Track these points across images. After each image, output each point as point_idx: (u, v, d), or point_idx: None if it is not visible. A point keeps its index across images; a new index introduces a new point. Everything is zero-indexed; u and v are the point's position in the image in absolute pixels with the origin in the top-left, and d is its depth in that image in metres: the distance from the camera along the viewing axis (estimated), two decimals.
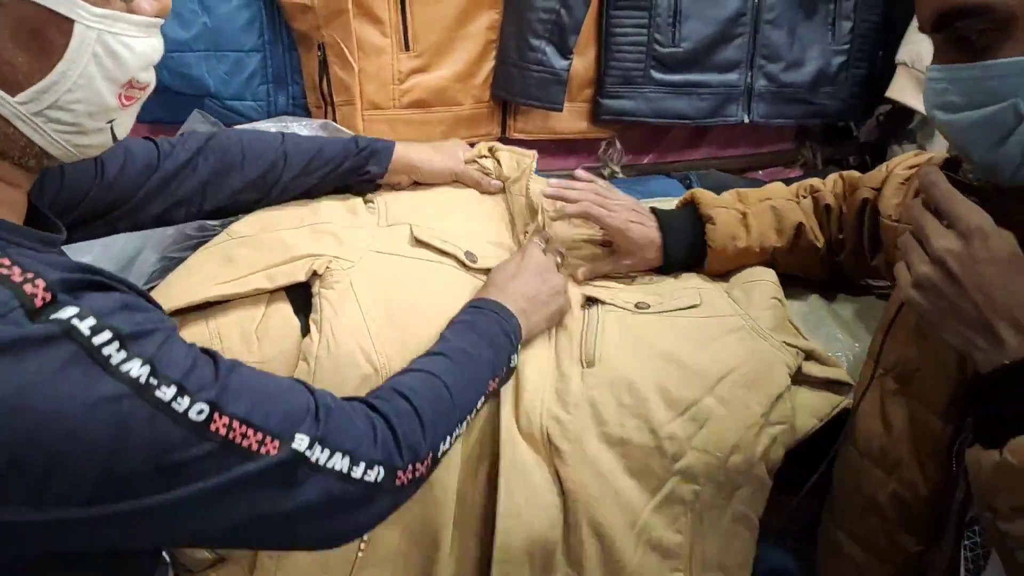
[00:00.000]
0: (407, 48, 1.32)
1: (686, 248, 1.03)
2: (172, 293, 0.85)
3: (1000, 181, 0.64)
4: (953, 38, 0.61)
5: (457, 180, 1.14)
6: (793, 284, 1.08)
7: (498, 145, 1.21)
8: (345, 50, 1.27)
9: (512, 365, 0.83)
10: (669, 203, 1.30)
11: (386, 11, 1.29)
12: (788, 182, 1.12)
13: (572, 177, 1.10)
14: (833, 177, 1.06)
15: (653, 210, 1.06)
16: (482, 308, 0.84)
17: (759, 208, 1.04)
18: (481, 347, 0.79)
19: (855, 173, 1.04)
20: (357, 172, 1.06)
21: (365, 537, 0.79)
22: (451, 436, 0.72)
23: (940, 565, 0.76)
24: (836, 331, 1.04)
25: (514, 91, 1.39)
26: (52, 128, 0.55)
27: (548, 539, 0.80)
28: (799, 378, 0.91)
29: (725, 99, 1.47)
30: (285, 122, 1.20)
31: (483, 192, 1.14)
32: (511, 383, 0.85)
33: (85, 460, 0.47)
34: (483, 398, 0.78)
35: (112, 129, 0.59)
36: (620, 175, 1.52)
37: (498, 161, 1.16)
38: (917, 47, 1.43)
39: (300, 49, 1.34)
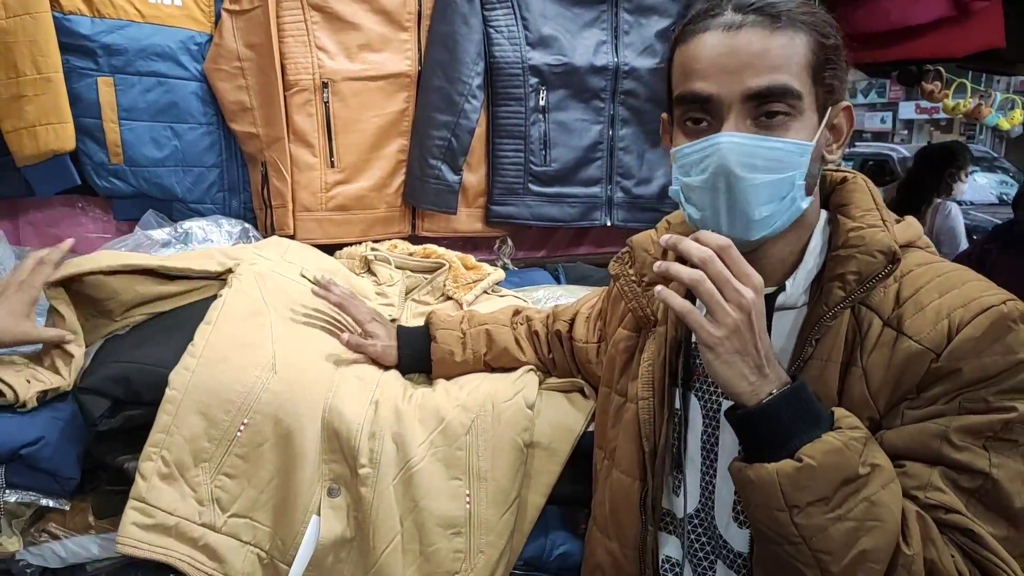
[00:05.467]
0: (332, 165, 1.71)
1: (416, 358, 1.24)
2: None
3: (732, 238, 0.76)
4: (756, 113, 0.74)
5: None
6: None
7: (380, 257, 1.59)
8: (281, 167, 1.65)
9: None
10: (538, 290, 1.65)
11: (316, 138, 1.68)
12: None
13: None
14: (548, 309, 1.29)
15: (398, 328, 1.28)
16: None
17: (476, 331, 1.25)
18: None
19: (560, 306, 1.28)
20: None
21: None
22: None
23: None
24: None
25: (418, 199, 1.76)
26: None
27: None
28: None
29: (590, 207, 1.84)
30: (217, 219, 1.62)
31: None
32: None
33: None
34: None
35: None
36: (511, 267, 1.87)
37: (374, 273, 1.55)
38: None
39: (249, 165, 1.73)
